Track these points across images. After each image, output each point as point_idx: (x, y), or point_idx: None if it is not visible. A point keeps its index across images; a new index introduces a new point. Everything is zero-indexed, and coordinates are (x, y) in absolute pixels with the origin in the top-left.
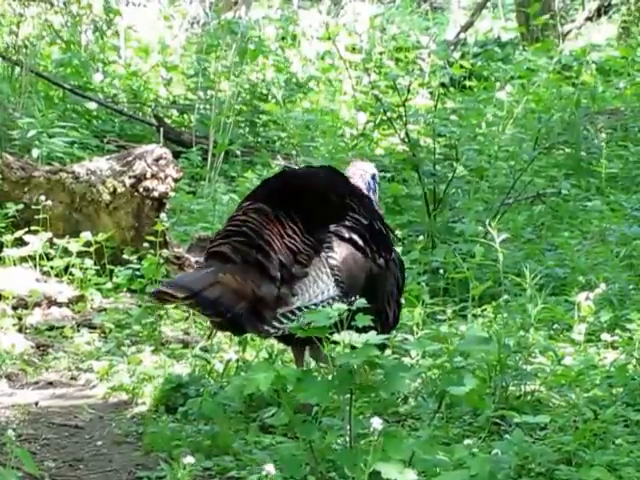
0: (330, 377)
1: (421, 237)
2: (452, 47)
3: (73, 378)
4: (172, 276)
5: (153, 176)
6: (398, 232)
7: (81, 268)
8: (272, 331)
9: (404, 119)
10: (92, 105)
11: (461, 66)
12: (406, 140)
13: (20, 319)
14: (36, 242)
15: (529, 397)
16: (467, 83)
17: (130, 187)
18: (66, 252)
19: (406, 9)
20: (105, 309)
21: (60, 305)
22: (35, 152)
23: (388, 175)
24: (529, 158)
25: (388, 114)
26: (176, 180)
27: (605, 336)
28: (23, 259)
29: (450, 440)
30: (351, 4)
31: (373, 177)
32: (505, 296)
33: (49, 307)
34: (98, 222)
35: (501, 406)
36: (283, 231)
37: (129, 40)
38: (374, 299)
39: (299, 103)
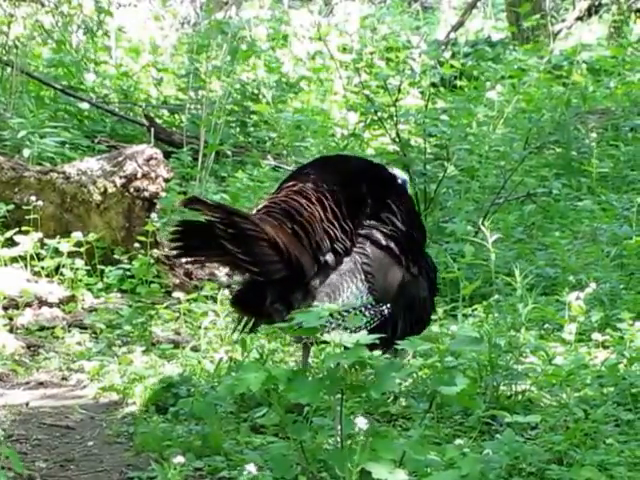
0: (321, 377)
1: None
2: (443, 47)
3: (64, 378)
4: (163, 276)
5: (144, 176)
6: None
7: (72, 268)
8: (283, 316)
9: (395, 119)
10: (83, 105)
11: (452, 66)
12: (397, 140)
13: (11, 319)
14: (27, 242)
15: (520, 397)
16: (458, 83)
17: (121, 187)
18: (57, 252)
19: (397, 9)
20: (96, 309)
21: (51, 305)
22: (26, 152)
23: None
24: (520, 158)
25: (379, 114)
26: (167, 180)
27: (596, 336)
28: (14, 259)
29: (441, 440)
30: (342, 4)
31: (403, 183)
32: (496, 296)
33: (40, 307)
34: (89, 222)
35: (492, 406)
36: (324, 214)
37: (120, 40)
38: (405, 306)
39: (290, 103)
